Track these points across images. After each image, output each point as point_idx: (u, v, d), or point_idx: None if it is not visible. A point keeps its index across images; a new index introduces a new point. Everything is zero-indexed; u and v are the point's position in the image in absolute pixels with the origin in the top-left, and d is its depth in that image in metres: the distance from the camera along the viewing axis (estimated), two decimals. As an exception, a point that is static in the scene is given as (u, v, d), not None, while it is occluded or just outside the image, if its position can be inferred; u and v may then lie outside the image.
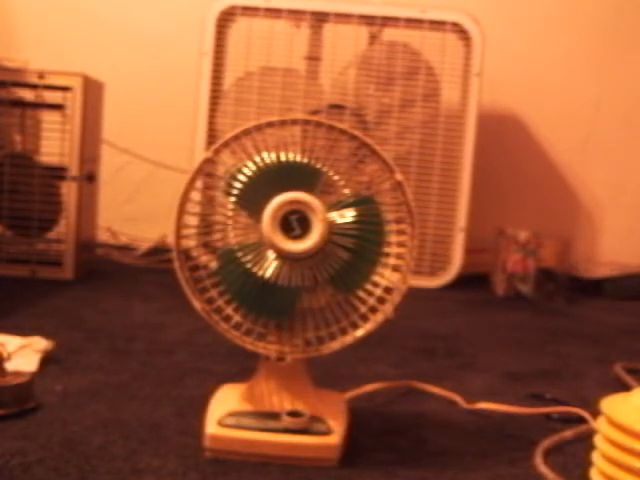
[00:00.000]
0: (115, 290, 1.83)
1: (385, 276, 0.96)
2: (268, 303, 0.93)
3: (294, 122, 0.96)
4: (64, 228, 1.91)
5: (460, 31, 2.12)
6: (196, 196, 0.95)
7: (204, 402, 0.99)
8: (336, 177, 0.95)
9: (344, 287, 0.95)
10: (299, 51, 2.15)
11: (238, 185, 0.94)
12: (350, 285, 0.95)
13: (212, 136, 2.14)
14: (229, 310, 0.94)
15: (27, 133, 1.96)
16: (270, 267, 0.93)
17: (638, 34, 2.51)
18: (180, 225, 0.95)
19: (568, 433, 1.05)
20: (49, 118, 1.92)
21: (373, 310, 0.96)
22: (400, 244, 0.96)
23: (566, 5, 2.50)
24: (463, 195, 2.15)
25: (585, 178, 2.54)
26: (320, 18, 2.14)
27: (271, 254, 0.93)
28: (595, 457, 0.83)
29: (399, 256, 0.96)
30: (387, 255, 0.96)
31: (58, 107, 1.89)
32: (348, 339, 0.96)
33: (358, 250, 0.94)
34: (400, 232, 0.96)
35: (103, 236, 2.32)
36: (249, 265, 0.93)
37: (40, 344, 1.25)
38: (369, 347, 1.33)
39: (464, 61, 2.14)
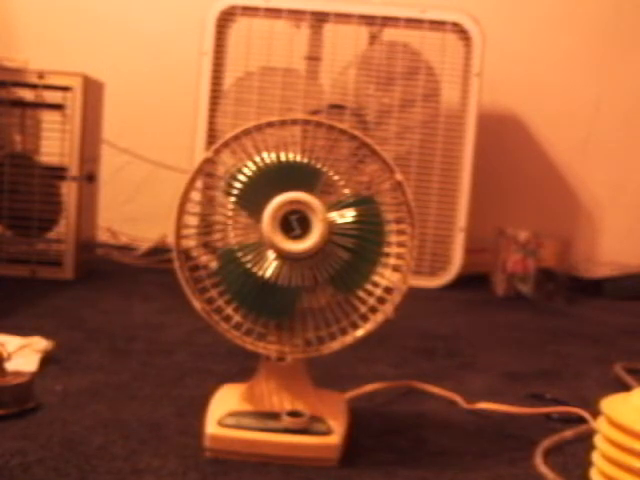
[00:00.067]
0: (115, 290, 1.83)
1: (385, 276, 0.96)
2: (268, 303, 0.93)
3: (294, 122, 0.95)
4: (64, 228, 1.91)
5: (460, 31, 2.12)
6: (196, 196, 0.95)
7: (204, 402, 0.99)
8: (336, 177, 0.95)
9: (344, 287, 0.95)
10: (299, 51, 2.15)
11: (238, 185, 0.94)
12: (350, 285, 0.95)
13: (212, 136, 2.14)
14: (229, 310, 0.94)
15: (27, 133, 1.96)
16: (270, 267, 0.93)
17: (638, 34, 2.51)
18: (180, 225, 0.95)
19: (568, 433, 1.05)
20: (49, 118, 1.92)
21: (373, 310, 0.96)
22: (400, 244, 0.96)
23: (566, 5, 2.50)
24: (463, 195, 2.15)
25: (585, 178, 2.54)
26: (320, 18, 2.14)
27: (271, 254, 0.93)
28: (595, 457, 0.83)
29: (399, 256, 0.96)
30: (387, 255, 0.96)
31: (58, 107, 1.89)
32: (348, 339, 0.96)
33: (358, 250, 0.94)
34: (400, 232, 0.96)
35: (103, 236, 2.32)
36: (249, 265, 0.93)
37: (40, 344, 1.25)
38: (369, 347, 1.33)
39: (464, 61, 2.14)
